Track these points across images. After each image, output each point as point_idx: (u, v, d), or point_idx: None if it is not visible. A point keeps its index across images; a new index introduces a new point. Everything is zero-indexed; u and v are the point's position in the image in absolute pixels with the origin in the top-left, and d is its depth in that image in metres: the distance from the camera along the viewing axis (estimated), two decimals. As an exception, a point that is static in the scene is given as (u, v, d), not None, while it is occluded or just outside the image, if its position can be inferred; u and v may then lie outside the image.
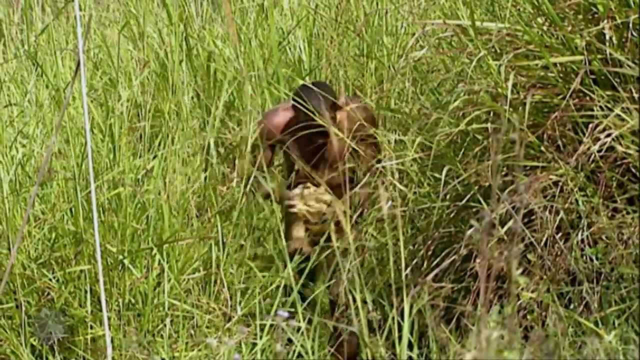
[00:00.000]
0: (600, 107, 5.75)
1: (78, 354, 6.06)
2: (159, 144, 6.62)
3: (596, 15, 5.87)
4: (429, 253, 6.34)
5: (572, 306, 5.78)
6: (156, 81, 6.93)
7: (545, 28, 6.02)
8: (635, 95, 5.81)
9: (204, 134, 6.73)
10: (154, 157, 6.31)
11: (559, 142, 5.95)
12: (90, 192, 5.02)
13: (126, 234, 5.88)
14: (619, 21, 5.76)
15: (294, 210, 5.44)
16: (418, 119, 6.80)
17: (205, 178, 6.53)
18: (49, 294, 6.06)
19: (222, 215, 6.31)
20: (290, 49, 7.43)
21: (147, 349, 6.15)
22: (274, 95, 6.91)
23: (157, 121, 6.76)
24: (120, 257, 5.80)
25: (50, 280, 6.00)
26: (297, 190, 5.50)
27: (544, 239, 5.81)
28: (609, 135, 5.69)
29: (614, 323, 5.56)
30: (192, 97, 6.85)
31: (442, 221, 6.42)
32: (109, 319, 5.45)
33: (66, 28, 7.20)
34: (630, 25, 5.72)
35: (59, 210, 5.92)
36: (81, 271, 5.84)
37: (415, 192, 6.55)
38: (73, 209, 5.81)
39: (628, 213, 5.76)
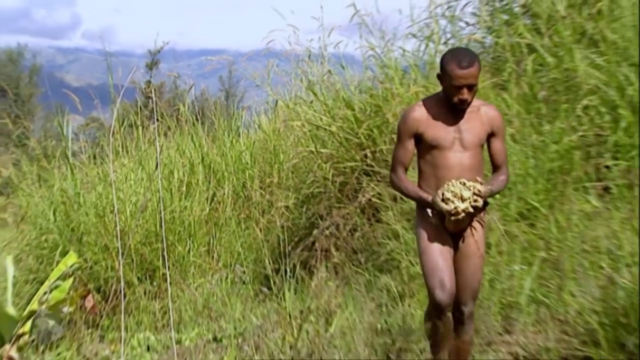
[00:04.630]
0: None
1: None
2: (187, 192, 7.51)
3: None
4: (297, 240, 6.96)
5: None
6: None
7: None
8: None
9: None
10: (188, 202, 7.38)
11: (350, 195, 6.75)
12: (161, 215, 6.18)
13: (175, 233, 6.90)
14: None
15: (455, 209, 3.68)
16: (287, 187, 7.50)
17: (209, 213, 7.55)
18: (145, 257, 6.67)
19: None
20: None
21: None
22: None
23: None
24: (173, 240, 6.79)
25: (144, 251, 6.84)
26: (446, 193, 3.71)
27: (347, 229, 6.42)
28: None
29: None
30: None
31: (303, 227, 7.14)
32: (170, 272, 6.26)
33: (151, 152, 7.62)
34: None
35: (150, 223, 6.72)
36: (156, 248, 6.64)
37: (293, 214, 7.30)
38: (156, 222, 6.62)
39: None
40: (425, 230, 3.92)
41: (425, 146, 3.93)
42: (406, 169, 4.01)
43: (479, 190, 3.71)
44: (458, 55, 3.81)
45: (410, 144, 3.94)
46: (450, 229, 3.89)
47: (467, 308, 4.01)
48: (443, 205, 3.72)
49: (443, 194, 3.72)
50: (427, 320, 3.94)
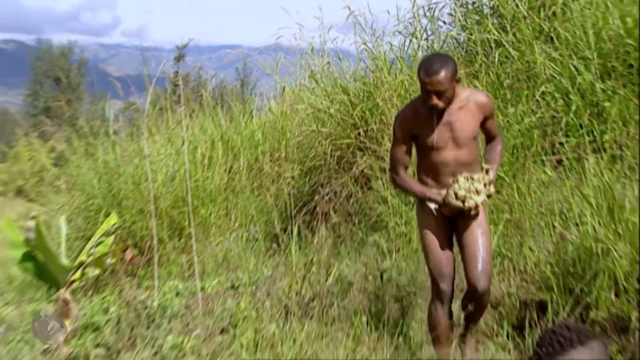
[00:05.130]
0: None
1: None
2: (209, 164, 7.50)
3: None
4: (301, 204, 6.83)
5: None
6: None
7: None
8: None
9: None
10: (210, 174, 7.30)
11: (346, 167, 6.65)
12: (187, 184, 5.54)
13: (199, 199, 6.82)
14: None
15: (478, 203, 3.35)
16: (293, 161, 7.44)
17: (227, 182, 7.47)
18: (174, 219, 6.63)
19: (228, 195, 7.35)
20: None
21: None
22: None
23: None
24: (197, 204, 6.68)
25: (173, 213, 6.75)
26: (460, 192, 3.35)
27: (343, 195, 6.39)
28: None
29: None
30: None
31: (306, 194, 7.00)
32: (194, 231, 5.46)
33: (179, 131, 7.48)
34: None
35: (178, 190, 6.63)
36: (183, 211, 6.51)
37: (298, 183, 7.19)
38: (183, 190, 6.49)
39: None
40: (427, 224, 3.58)
41: (421, 147, 3.56)
42: (406, 168, 3.63)
43: (489, 180, 3.38)
44: (427, 63, 3.39)
45: (408, 145, 3.56)
46: (446, 214, 3.55)
47: (480, 284, 3.47)
48: (458, 203, 3.35)
49: (456, 194, 3.35)
50: (429, 313, 3.56)
